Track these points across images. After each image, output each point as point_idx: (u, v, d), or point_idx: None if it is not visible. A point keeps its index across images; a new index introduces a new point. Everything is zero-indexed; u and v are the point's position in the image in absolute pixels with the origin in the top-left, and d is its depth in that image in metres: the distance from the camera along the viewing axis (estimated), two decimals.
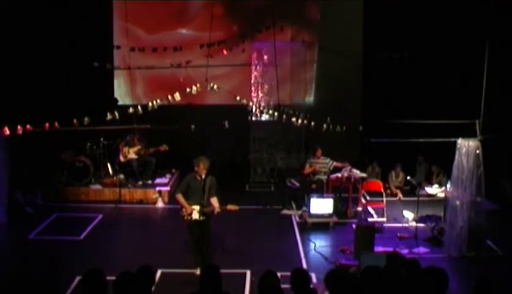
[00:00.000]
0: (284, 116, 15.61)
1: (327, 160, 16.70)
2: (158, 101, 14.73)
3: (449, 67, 18.01)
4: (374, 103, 19.68)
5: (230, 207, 11.60)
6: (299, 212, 15.99)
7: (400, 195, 17.51)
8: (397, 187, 17.84)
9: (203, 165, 11.53)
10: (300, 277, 7.10)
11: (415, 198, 14.92)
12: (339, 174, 16.21)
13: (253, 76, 20.27)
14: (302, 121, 15.55)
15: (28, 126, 13.47)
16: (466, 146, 12.73)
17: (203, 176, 11.53)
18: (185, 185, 11.71)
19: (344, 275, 7.20)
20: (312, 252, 13.38)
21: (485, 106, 12.94)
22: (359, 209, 16.11)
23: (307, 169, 16.78)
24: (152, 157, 18.01)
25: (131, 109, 14.57)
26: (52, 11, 18.12)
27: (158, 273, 11.20)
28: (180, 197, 11.62)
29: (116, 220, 15.99)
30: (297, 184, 16.88)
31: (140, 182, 17.82)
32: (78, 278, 10.85)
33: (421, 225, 14.46)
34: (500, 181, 16.73)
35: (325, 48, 19.98)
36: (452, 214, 13.14)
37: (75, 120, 13.74)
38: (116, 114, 14.18)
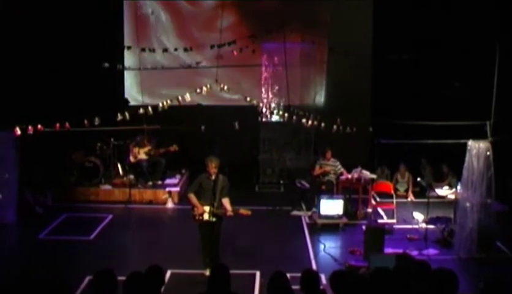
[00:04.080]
0: (294, 117, 15.62)
1: (337, 163, 16.65)
2: (168, 101, 14.77)
3: (459, 68, 17.96)
4: (384, 104, 19.63)
5: (243, 211, 11.59)
6: (309, 213, 15.97)
7: (411, 196, 17.41)
8: (407, 190, 17.67)
9: (211, 163, 11.54)
10: (310, 278, 7.09)
11: (425, 200, 14.88)
12: (349, 175, 16.20)
13: (263, 77, 20.28)
14: (312, 122, 15.55)
15: (39, 126, 13.53)
16: (477, 148, 12.70)
17: (213, 176, 11.56)
18: (197, 184, 11.72)
19: (348, 276, 7.19)
20: (322, 253, 13.38)
21: (496, 108, 12.89)
22: (369, 210, 16.10)
23: (317, 171, 16.76)
24: (162, 158, 18.02)
25: (141, 110, 14.63)
26: (63, 11, 18.15)
27: (168, 273, 11.21)
28: (192, 197, 11.62)
29: (126, 221, 16.01)
30: (307, 185, 16.89)
31: (150, 183, 17.82)
32: (87, 279, 10.89)
33: (431, 226, 14.42)
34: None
35: (335, 49, 19.96)
36: (462, 215, 13.11)
37: (85, 121, 13.80)
38: (127, 114, 14.24)
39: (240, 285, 8.01)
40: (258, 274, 11.65)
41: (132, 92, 21.55)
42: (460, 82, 18.39)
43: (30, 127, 13.48)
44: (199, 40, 20.09)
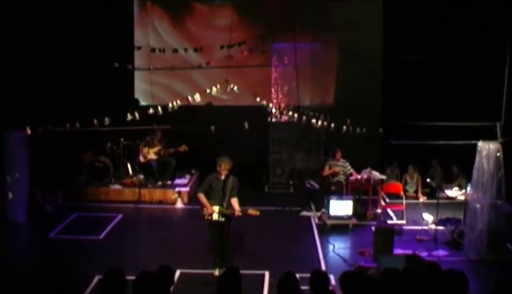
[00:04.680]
0: (304, 117, 15.62)
1: (347, 164, 16.65)
2: (178, 102, 14.80)
3: (470, 69, 17.90)
4: (394, 105, 19.60)
5: (251, 211, 11.57)
6: (318, 213, 15.96)
7: (422, 197, 17.43)
8: (416, 191, 17.71)
9: (224, 165, 11.54)
10: (319, 278, 7.09)
11: (435, 201, 14.84)
12: (359, 176, 16.20)
13: (273, 77, 20.26)
14: (322, 122, 15.56)
15: (49, 126, 13.58)
16: (487, 149, 12.65)
17: (223, 177, 11.56)
18: (207, 184, 11.71)
19: (358, 277, 7.18)
20: (331, 254, 13.35)
21: (507, 109, 12.85)
22: (379, 211, 16.08)
23: (327, 171, 16.76)
24: (172, 158, 18.06)
25: (151, 110, 14.66)
26: (73, 12, 18.20)
27: (177, 273, 11.21)
28: (202, 196, 11.61)
29: (136, 220, 16.05)
30: (316, 186, 16.86)
31: (160, 183, 17.87)
32: (97, 278, 10.90)
33: (441, 227, 14.37)
34: None
35: (345, 49, 19.95)
36: (472, 216, 13.06)
37: (95, 121, 13.84)
38: (136, 114, 14.27)
39: (250, 285, 8.01)
40: (267, 274, 11.63)
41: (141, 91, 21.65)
42: (471, 83, 18.27)
43: (40, 127, 13.54)
44: (209, 40, 20.11)
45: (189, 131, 18.02)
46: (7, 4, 16.10)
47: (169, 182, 18.04)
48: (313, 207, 16.51)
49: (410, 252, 12.43)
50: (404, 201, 15.90)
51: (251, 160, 19.63)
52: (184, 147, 17.74)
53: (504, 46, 13.00)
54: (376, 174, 16.18)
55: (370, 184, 16.11)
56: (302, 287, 6.93)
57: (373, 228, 13.37)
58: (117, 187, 17.72)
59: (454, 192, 16.38)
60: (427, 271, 7.40)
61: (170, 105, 14.72)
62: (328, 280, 7.24)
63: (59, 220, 15.36)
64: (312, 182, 17.05)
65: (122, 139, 18.24)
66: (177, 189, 17.44)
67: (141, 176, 17.90)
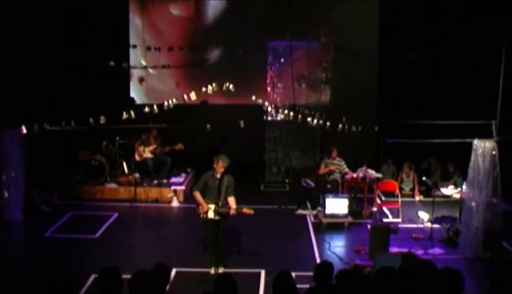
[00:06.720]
0: (300, 116, 15.62)
1: (342, 162, 16.64)
2: (174, 100, 14.80)
3: (465, 67, 17.92)
4: (390, 104, 19.62)
5: (246, 210, 11.56)
6: (314, 212, 15.96)
7: (419, 196, 17.44)
8: (413, 189, 17.73)
9: (222, 163, 11.55)
10: (324, 270, 7.11)
11: (431, 199, 14.86)
12: (354, 175, 16.19)
13: (268, 76, 20.22)
14: (318, 121, 15.55)
15: (45, 125, 13.56)
16: (483, 147, 12.65)
17: (218, 175, 11.55)
18: (203, 182, 11.72)
19: (354, 275, 7.18)
20: (327, 252, 13.34)
21: (502, 107, 12.84)
22: (374, 209, 16.08)
23: (322, 170, 16.76)
24: (168, 156, 18.03)
25: (147, 109, 14.65)
26: (68, 11, 18.18)
27: (173, 272, 11.20)
28: (197, 195, 11.62)
29: (131, 219, 16.03)
30: (312, 184, 16.85)
31: (155, 181, 17.85)
32: (93, 277, 10.89)
33: (436, 226, 14.40)
34: None
35: (341, 48, 19.93)
36: (468, 215, 13.07)
37: (91, 119, 13.83)
38: (132, 113, 14.27)
39: (245, 284, 8.00)
40: (263, 272, 11.59)
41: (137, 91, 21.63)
42: (467, 81, 18.30)
43: (36, 126, 13.52)
44: (205, 38, 20.09)
45: (185, 130, 17.99)
46: (4, 4, 16.08)
47: (165, 181, 18.02)
48: (309, 205, 16.50)
49: (405, 250, 12.44)
50: (400, 199, 15.93)
51: (247, 159, 19.65)
52: (179, 146, 17.71)
53: (500, 44, 13.00)
54: (372, 173, 16.17)
55: (366, 182, 16.10)
56: (298, 286, 6.92)
57: (369, 226, 13.37)
58: (113, 185, 17.71)
59: (449, 190, 16.40)
60: (423, 269, 7.40)
61: (166, 103, 14.72)
62: (333, 272, 7.20)
63: (55, 218, 15.34)
64: (308, 181, 17.04)
65: (117, 138, 18.25)
66: (172, 188, 17.42)
67: (137, 175, 17.87)
